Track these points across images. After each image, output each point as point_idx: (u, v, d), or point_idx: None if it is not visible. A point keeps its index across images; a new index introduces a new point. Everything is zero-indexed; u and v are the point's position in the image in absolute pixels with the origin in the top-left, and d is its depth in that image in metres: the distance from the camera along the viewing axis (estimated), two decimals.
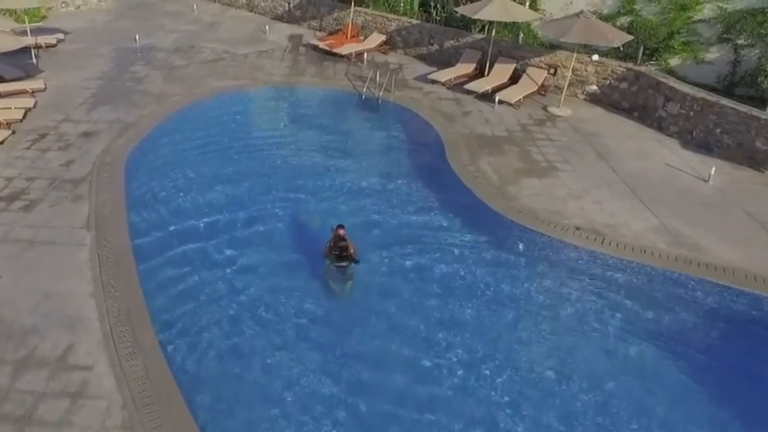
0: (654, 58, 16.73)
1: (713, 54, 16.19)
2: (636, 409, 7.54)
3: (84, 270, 9.17)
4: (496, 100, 16.11)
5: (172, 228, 10.81)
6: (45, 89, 16.32)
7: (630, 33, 15.71)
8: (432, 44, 19.93)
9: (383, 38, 20.94)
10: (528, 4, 18.47)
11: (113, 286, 8.83)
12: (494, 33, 17.54)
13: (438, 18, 20.25)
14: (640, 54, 15.85)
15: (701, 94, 13.89)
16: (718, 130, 13.46)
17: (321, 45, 20.76)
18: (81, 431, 6.62)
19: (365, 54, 20.00)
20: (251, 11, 27.03)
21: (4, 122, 13.94)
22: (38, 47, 19.29)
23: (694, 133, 14.01)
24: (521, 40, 18.60)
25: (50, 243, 9.82)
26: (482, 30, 19.09)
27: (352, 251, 9.27)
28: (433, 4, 20.68)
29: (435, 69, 18.58)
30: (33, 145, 13.23)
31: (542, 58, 17.21)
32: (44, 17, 23.86)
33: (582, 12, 15.55)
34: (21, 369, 7.39)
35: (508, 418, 7.37)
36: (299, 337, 8.58)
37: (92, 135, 13.77)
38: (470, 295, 9.44)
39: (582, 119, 15.54)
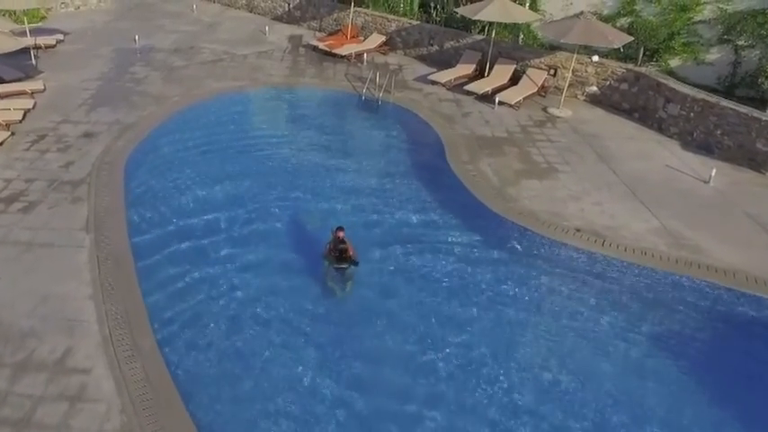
0: (654, 59, 16.71)
1: (714, 55, 16.18)
2: (636, 410, 7.52)
3: (82, 272, 9.14)
4: (496, 101, 16.09)
5: (171, 229, 10.79)
6: (44, 90, 16.31)
7: (631, 34, 15.68)
8: (431, 45, 19.91)
9: (383, 38, 20.92)
10: (528, 4, 18.46)
11: (112, 288, 8.80)
12: (494, 34, 17.51)
13: (438, 19, 20.23)
14: (641, 55, 15.83)
15: (702, 95, 13.86)
16: (719, 132, 13.44)
17: (321, 46, 20.73)
18: None
19: (365, 55, 19.99)
20: (251, 11, 27.02)
21: (4, 124, 13.91)
22: (37, 48, 19.27)
23: (695, 134, 13.99)
24: (521, 41, 18.60)
25: (49, 245, 9.80)
26: (482, 31, 19.06)
27: (351, 253, 9.25)
28: (432, 4, 20.67)
29: (435, 70, 18.57)
30: (32, 146, 13.21)
31: (542, 59, 17.18)
32: (43, 18, 23.86)
33: (582, 13, 15.57)
34: (19, 372, 7.37)
35: (508, 418, 7.34)
36: (299, 338, 8.54)
37: (91, 136, 13.75)
38: (470, 296, 9.41)
39: (582, 120, 15.52)
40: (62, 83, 17.01)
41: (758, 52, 15.32)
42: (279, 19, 25.38)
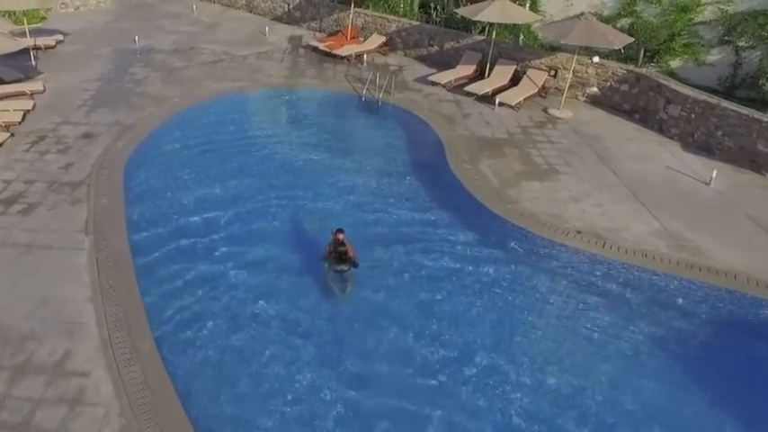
0: (655, 60, 16.71)
1: (714, 56, 16.19)
2: (637, 412, 7.50)
3: (82, 274, 9.11)
4: (497, 102, 16.07)
5: (171, 231, 10.75)
6: (44, 91, 16.28)
7: (631, 35, 15.67)
8: (432, 46, 19.88)
9: (383, 39, 20.89)
10: (528, 5, 18.44)
11: (111, 291, 8.78)
12: (494, 35, 17.49)
13: (438, 19, 20.22)
14: (641, 56, 15.81)
15: (703, 96, 13.84)
16: (720, 133, 13.41)
17: (321, 46, 20.70)
18: None
19: (365, 55, 19.97)
20: (250, 12, 27.00)
21: (3, 125, 13.88)
22: (37, 48, 19.24)
23: (695, 136, 13.97)
24: (521, 41, 18.58)
25: (48, 247, 9.77)
26: (482, 31, 19.04)
27: (351, 255, 9.24)
28: (433, 5, 20.66)
29: (435, 71, 18.54)
30: (32, 147, 13.18)
31: (543, 60, 17.16)
32: (43, 18, 23.84)
33: (582, 13, 15.54)
34: (18, 375, 7.34)
35: (508, 419, 7.32)
36: (299, 340, 8.51)
37: (91, 137, 13.73)
38: (471, 297, 9.39)
39: (582, 121, 15.49)
40: (62, 84, 16.99)
41: (759, 53, 15.32)
42: (279, 19, 25.36)
